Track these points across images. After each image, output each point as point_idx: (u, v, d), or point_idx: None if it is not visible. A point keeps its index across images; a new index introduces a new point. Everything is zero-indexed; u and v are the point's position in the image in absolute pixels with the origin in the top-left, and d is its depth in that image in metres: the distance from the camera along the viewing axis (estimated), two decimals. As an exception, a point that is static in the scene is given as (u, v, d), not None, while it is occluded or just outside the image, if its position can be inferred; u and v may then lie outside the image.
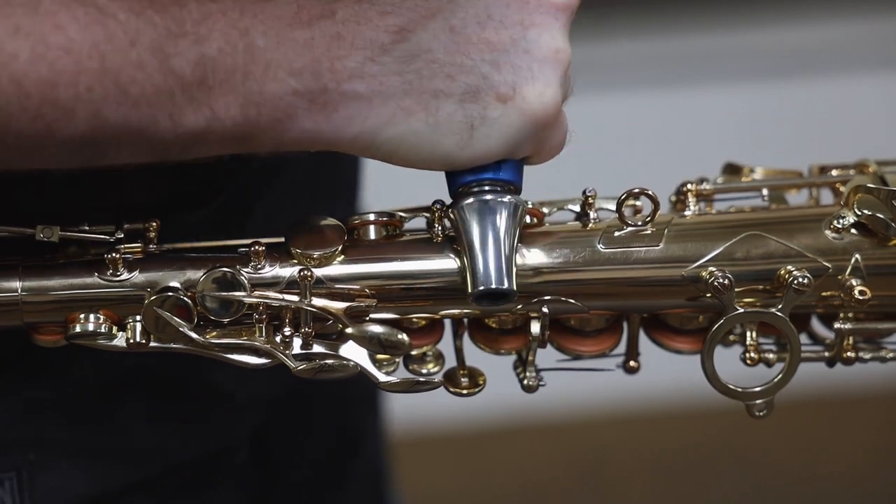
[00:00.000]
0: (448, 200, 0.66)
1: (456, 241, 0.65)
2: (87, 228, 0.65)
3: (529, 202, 0.66)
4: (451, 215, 0.64)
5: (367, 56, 0.60)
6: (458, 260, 0.65)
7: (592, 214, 0.67)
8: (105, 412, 0.72)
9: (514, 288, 0.62)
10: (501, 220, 0.63)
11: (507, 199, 0.63)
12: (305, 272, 0.63)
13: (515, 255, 0.63)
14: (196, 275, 0.64)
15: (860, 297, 0.66)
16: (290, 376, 0.65)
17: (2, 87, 0.55)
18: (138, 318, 0.64)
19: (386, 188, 0.94)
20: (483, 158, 0.63)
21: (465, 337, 0.69)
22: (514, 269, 0.63)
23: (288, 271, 0.64)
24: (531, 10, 0.62)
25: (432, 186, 0.67)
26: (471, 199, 0.63)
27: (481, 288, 0.62)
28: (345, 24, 0.60)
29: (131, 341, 0.64)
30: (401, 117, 0.61)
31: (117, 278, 0.64)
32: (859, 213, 0.67)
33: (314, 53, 0.59)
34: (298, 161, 0.76)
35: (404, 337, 0.64)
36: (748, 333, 0.68)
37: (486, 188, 0.63)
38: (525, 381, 0.68)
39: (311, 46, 0.59)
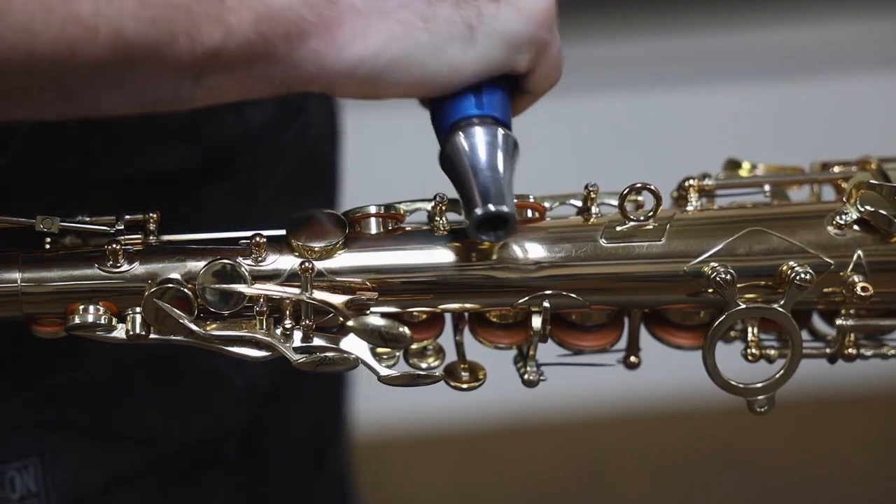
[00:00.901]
0: (448, 196, 0.66)
1: (453, 176, 0.63)
2: (87, 219, 0.65)
3: (531, 196, 0.66)
4: (446, 149, 0.63)
5: None
6: (458, 250, 0.64)
7: (594, 209, 0.67)
8: (118, 396, 0.73)
9: (514, 212, 0.61)
10: (496, 145, 0.62)
11: (500, 130, 0.62)
12: (306, 265, 0.63)
13: (512, 183, 0.62)
14: (196, 266, 0.64)
15: (862, 294, 0.66)
16: (280, 370, 0.65)
17: (22, 2, 0.53)
18: (138, 309, 0.64)
19: (390, 183, 0.94)
20: (488, 63, 0.62)
21: (466, 331, 0.69)
22: (512, 195, 0.61)
23: (289, 264, 0.64)
24: None
25: (437, 181, 0.66)
26: (464, 131, 0.62)
27: (479, 211, 0.60)
28: None
29: (131, 333, 0.64)
30: (400, 32, 0.60)
31: (117, 270, 0.64)
32: (861, 209, 0.67)
33: None
34: (293, 153, 0.77)
35: (405, 330, 0.64)
36: (750, 329, 0.68)
37: (476, 121, 0.62)
38: (526, 376, 0.68)
39: None
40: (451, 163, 0.63)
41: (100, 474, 0.71)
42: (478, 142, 0.62)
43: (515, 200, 0.66)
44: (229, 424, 0.78)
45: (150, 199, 0.66)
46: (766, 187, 0.71)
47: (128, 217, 0.65)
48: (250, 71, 0.58)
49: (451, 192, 0.68)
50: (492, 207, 0.60)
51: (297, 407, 0.86)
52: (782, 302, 0.66)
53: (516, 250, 0.65)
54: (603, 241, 0.66)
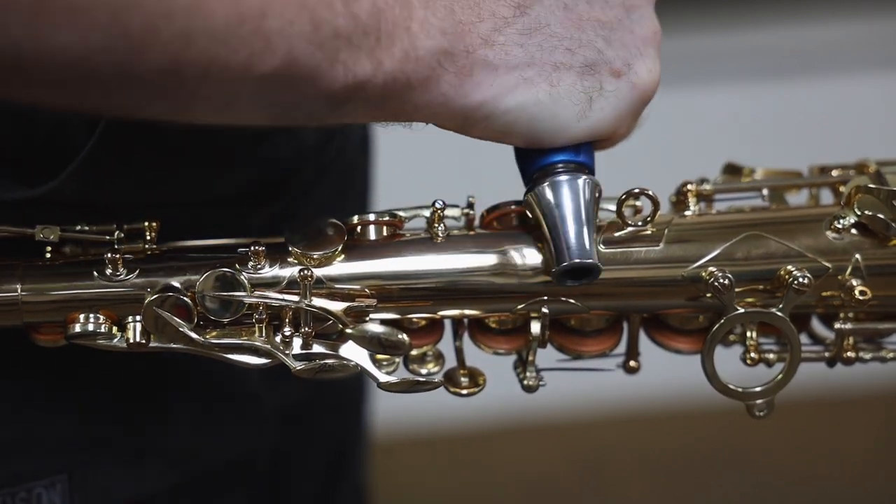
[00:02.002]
0: (449, 200, 0.66)
1: (523, 227, 0.66)
2: (86, 229, 0.65)
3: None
4: (530, 197, 0.64)
5: (493, 26, 0.61)
6: (459, 258, 0.65)
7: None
8: (150, 415, 0.73)
9: (598, 262, 0.63)
10: (580, 197, 0.64)
11: (583, 178, 0.64)
12: (305, 272, 0.63)
13: (595, 232, 0.64)
14: (196, 275, 0.64)
15: (860, 297, 0.66)
16: (305, 387, 0.65)
17: (225, 10, 0.54)
18: (138, 318, 0.64)
19: (389, 189, 0.94)
20: (597, 131, 0.64)
21: (465, 337, 0.69)
22: (596, 245, 0.63)
23: (288, 271, 0.64)
24: None
25: (436, 187, 0.66)
26: (548, 181, 0.64)
27: (565, 263, 0.62)
28: None
29: (131, 341, 0.64)
30: (524, 87, 0.62)
31: (117, 278, 0.64)
32: (859, 213, 0.67)
33: (456, 16, 0.61)
34: (334, 170, 0.77)
35: (404, 337, 0.64)
36: (748, 333, 0.68)
37: (561, 168, 0.64)
38: (525, 381, 0.68)
39: (451, 9, 0.61)
40: (538, 209, 0.64)
41: (127, 494, 0.71)
42: (565, 192, 0.64)
43: (514, 206, 0.67)
44: (257, 444, 0.78)
45: (199, 219, 0.67)
46: (765, 191, 0.71)
47: (127, 226, 0.65)
48: (382, 105, 0.60)
49: (460, 196, 0.69)
50: (577, 261, 0.62)
51: (320, 424, 0.86)
52: (781, 306, 0.66)
53: (515, 256, 0.65)
54: (601, 247, 0.66)
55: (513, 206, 0.67)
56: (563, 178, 0.64)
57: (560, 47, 0.62)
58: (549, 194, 0.64)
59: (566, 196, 0.63)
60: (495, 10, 0.61)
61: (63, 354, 0.66)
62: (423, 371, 0.68)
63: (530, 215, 0.65)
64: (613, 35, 0.64)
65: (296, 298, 0.64)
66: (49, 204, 0.64)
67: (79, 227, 0.65)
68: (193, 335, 0.64)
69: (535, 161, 0.64)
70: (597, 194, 0.64)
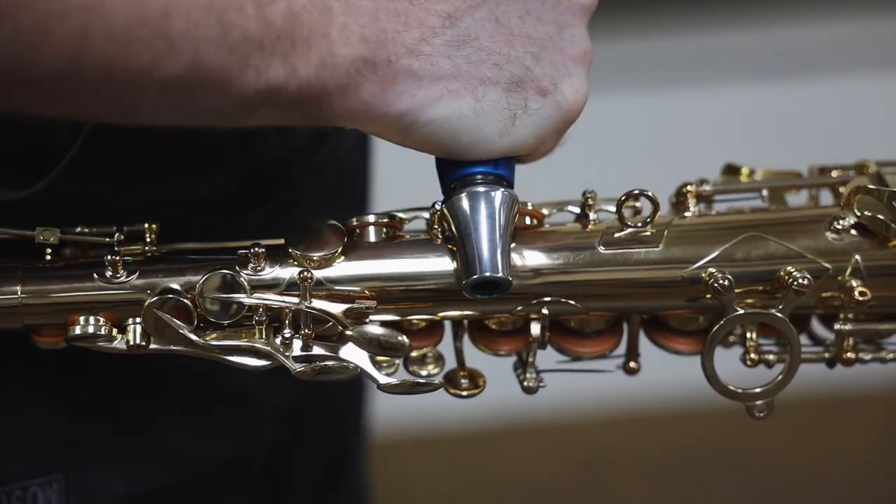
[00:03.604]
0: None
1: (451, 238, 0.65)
2: (86, 231, 0.65)
3: (529, 203, 0.66)
4: (445, 209, 0.64)
5: (421, 36, 0.61)
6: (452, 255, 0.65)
7: (592, 216, 0.67)
8: (146, 415, 0.73)
9: (509, 277, 0.62)
10: (495, 210, 0.63)
11: (500, 191, 0.63)
12: (305, 274, 0.63)
13: (509, 246, 0.63)
14: (196, 277, 0.64)
15: (860, 298, 0.66)
16: (303, 388, 0.65)
17: (125, 10, 0.53)
18: (138, 320, 0.64)
19: (389, 191, 0.94)
20: (517, 148, 0.64)
21: (466, 338, 0.69)
22: (509, 259, 0.63)
23: (288, 273, 0.64)
24: (563, 10, 0.63)
25: (436, 189, 0.66)
26: (465, 191, 0.63)
27: (474, 276, 0.62)
28: (400, 1, 0.60)
29: (131, 343, 0.64)
30: (448, 99, 0.61)
31: (117, 280, 0.64)
32: (859, 213, 0.67)
33: (380, 24, 0.60)
34: (327, 172, 0.77)
35: (404, 339, 0.64)
36: (748, 334, 0.68)
37: (479, 179, 0.64)
38: (525, 383, 0.68)
39: (376, 16, 0.60)
40: (452, 219, 0.64)
41: (123, 493, 0.71)
42: (481, 204, 0.63)
43: (520, 205, 0.67)
44: (254, 445, 0.78)
45: (188, 222, 0.67)
46: (764, 192, 0.71)
47: (127, 228, 0.65)
48: (298, 110, 0.59)
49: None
50: (487, 274, 0.62)
51: (318, 425, 0.86)
52: (780, 307, 0.66)
53: (514, 258, 0.65)
54: (601, 248, 0.66)
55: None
56: (480, 189, 0.63)
57: (488, 62, 0.62)
58: (464, 205, 0.63)
59: (482, 208, 0.63)
60: (424, 19, 0.61)
61: (60, 354, 0.66)
62: (423, 372, 0.68)
63: (445, 225, 0.65)
64: (543, 53, 0.63)
65: (296, 300, 0.64)
66: (36, 207, 0.64)
67: (79, 230, 0.65)
68: (193, 337, 0.64)
69: (454, 171, 0.64)
70: (514, 208, 0.64)
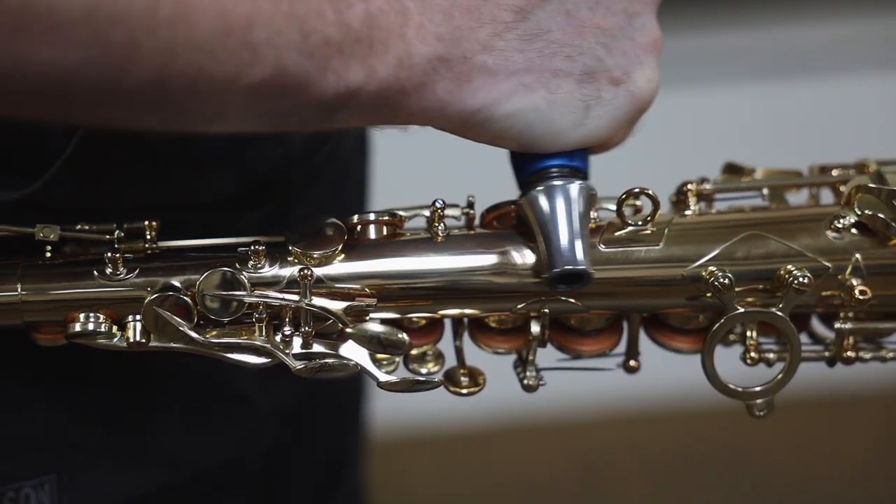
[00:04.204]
0: (449, 200, 0.66)
1: (523, 227, 0.65)
2: (86, 228, 0.65)
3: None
4: (523, 202, 0.64)
5: (493, 31, 0.61)
6: (458, 258, 0.65)
7: (593, 214, 0.67)
8: (142, 415, 0.73)
9: (590, 268, 0.63)
10: (573, 203, 0.63)
11: (577, 183, 0.64)
12: (305, 271, 0.63)
13: (588, 238, 0.64)
14: (196, 274, 0.64)
15: (860, 297, 0.66)
16: (301, 389, 0.65)
17: (210, 22, 0.53)
18: (138, 317, 0.64)
19: (389, 188, 0.94)
20: (592, 139, 0.64)
21: (465, 336, 0.69)
22: (587, 251, 0.63)
23: (288, 271, 0.64)
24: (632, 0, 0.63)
25: (436, 187, 0.66)
26: (543, 185, 0.64)
27: (557, 269, 0.62)
28: None
29: (131, 340, 0.64)
30: (522, 93, 0.62)
31: (117, 277, 0.64)
32: (859, 212, 0.67)
33: (454, 21, 0.60)
34: (325, 175, 0.77)
35: (404, 336, 0.64)
36: (748, 333, 0.68)
37: (556, 173, 0.64)
38: (525, 381, 0.68)
39: (450, 14, 0.60)
40: (531, 213, 0.64)
41: (117, 494, 0.71)
42: (558, 197, 0.63)
43: (514, 206, 0.67)
44: (252, 446, 0.78)
45: (187, 223, 0.67)
46: (765, 191, 0.71)
47: (127, 225, 0.65)
48: (377, 111, 0.60)
49: (460, 196, 0.69)
50: (568, 266, 0.62)
51: (317, 425, 0.86)
52: (781, 306, 0.66)
53: (515, 256, 0.65)
54: (601, 246, 0.66)
55: (513, 206, 0.67)
56: (557, 183, 0.64)
57: (560, 54, 0.62)
58: (542, 199, 0.63)
59: (559, 202, 0.63)
60: (496, 14, 0.61)
61: (58, 354, 0.66)
62: (423, 370, 0.68)
63: (527, 222, 0.65)
64: (614, 42, 0.63)
65: (296, 298, 0.64)
66: (32, 208, 0.64)
67: (79, 227, 0.65)
68: (193, 335, 0.64)
69: (530, 164, 0.64)
70: (591, 199, 0.64)
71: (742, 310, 0.66)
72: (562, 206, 0.63)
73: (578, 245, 0.63)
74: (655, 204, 0.67)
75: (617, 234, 0.66)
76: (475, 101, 0.61)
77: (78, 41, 0.51)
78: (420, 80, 0.59)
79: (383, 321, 0.65)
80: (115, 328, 0.64)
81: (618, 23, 0.63)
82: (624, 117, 0.64)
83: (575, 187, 0.63)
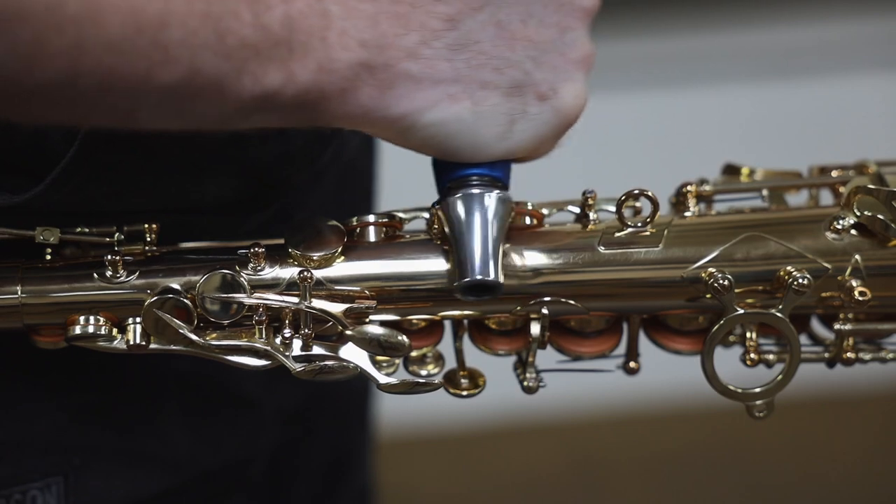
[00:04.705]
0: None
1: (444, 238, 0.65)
2: (86, 231, 0.65)
3: (529, 203, 0.67)
4: (440, 209, 0.64)
5: (421, 39, 0.60)
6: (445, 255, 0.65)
7: (592, 215, 0.67)
8: (146, 418, 0.73)
9: (500, 280, 0.62)
10: (489, 213, 0.63)
11: (494, 193, 0.63)
12: (305, 274, 0.63)
13: (501, 249, 0.63)
14: (196, 277, 0.64)
15: (860, 298, 0.66)
16: (305, 390, 0.65)
17: (121, 20, 0.53)
18: (138, 319, 0.64)
19: (389, 191, 0.94)
20: (514, 152, 0.63)
21: (465, 338, 0.69)
22: (500, 262, 0.63)
23: (288, 273, 0.64)
24: (566, 13, 0.63)
25: (431, 190, 0.67)
26: (460, 193, 0.63)
27: (466, 279, 0.62)
28: (401, 4, 0.60)
29: (131, 343, 0.64)
30: (447, 103, 0.61)
31: (117, 280, 0.64)
32: (859, 213, 0.67)
33: (379, 28, 0.59)
34: (330, 174, 0.77)
35: (404, 338, 0.64)
36: (748, 334, 0.68)
37: (475, 181, 0.64)
38: (525, 383, 0.68)
39: (375, 20, 0.59)
40: (446, 221, 0.64)
41: (122, 496, 0.71)
42: (475, 206, 0.63)
43: (515, 206, 0.67)
44: (256, 447, 0.78)
45: (189, 227, 0.67)
46: (764, 192, 0.71)
47: (127, 228, 0.65)
48: (296, 114, 0.59)
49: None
50: (478, 277, 0.62)
51: (322, 426, 0.86)
52: (780, 307, 0.66)
53: (514, 258, 0.65)
54: (601, 248, 0.66)
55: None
56: (475, 191, 0.63)
57: (488, 66, 0.61)
58: (458, 207, 0.63)
59: (476, 210, 0.63)
60: (425, 21, 0.60)
61: (62, 357, 0.66)
62: (423, 372, 0.68)
63: (437, 226, 0.65)
64: (544, 57, 0.62)
65: (296, 300, 0.64)
66: (33, 212, 0.64)
67: (79, 230, 0.65)
68: (193, 337, 0.64)
69: (450, 172, 0.64)
70: (508, 210, 0.64)
71: (742, 311, 0.66)
72: (477, 216, 0.63)
73: (489, 256, 0.62)
74: (655, 205, 0.67)
75: (616, 235, 0.66)
76: (398, 109, 0.60)
77: None
78: (341, 85, 0.59)
79: (383, 323, 0.65)
80: (115, 331, 0.64)
81: (549, 36, 0.62)
82: (549, 132, 0.63)
83: (493, 197, 0.63)
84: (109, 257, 0.64)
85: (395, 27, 0.60)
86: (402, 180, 1.06)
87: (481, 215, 0.63)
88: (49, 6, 0.51)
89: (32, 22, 0.51)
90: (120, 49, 0.53)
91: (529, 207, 0.67)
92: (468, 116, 0.62)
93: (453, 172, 0.64)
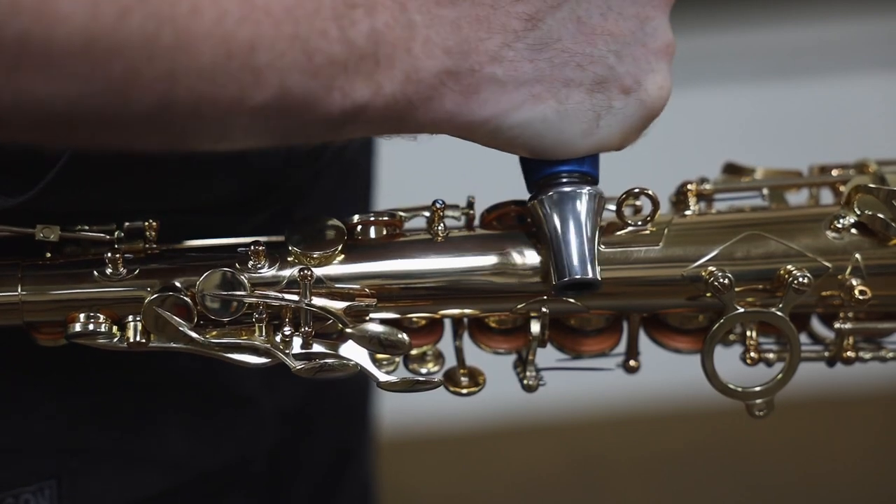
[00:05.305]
0: (449, 200, 0.66)
1: (523, 227, 0.65)
2: (86, 228, 0.65)
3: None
4: (530, 207, 0.64)
5: (503, 41, 0.60)
6: (459, 259, 0.65)
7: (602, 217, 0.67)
8: (142, 419, 0.73)
9: (598, 277, 0.63)
10: (583, 210, 0.63)
11: (587, 189, 0.63)
12: (305, 272, 0.63)
13: (597, 246, 0.64)
14: (196, 274, 0.64)
15: (860, 297, 0.66)
16: (305, 388, 0.65)
17: (212, 48, 0.53)
18: (138, 317, 0.64)
19: (390, 189, 0.94)
20: (601, 148, 0.64)
21: (465, 336, 0.69)
22: (597, 259, 0.63)
23: (288, 271, 0.64)
24: (645, 3, 0.62)
25: (437, 187, 0.67)
26: (553, 191, 0.63)
27: (566, 279, 0.63)
28: (482, 6, 0.60)
29: (131, 341, 0.64)
30: (531, 103, 0.61)
31: (117, 278, 0.64)
32: (859, 212, 0.67)
33: (462, 33, 0.59)
34: (330, 171, 0.77)
35: (404, 336, 0.64)
36: (748, 333, 0.68)
37: (565, 179, 0.64)
38: (525, 381, 0.68)
39: (458, 26, 0.59)
40: (541, 219, 0.64)
41: (118, 499, 0.71)
42: (568, 204, 0.63)
43: (514, 206, 0.67)
44: (255, 446, 0.78)
45: (188, 226, 0.67)
46: (765, 191, 0.71)
47: (127, 225, 0.65)
48: (384, 124, 0.59)
49: (460, 196, 0.69)
50: (577, 276, 0.62)
51: (322, 422, 0.86)
52: (780, 305, 0.66)
53: (515, 256, 0.65)
54: (601, 247, 0.66)
55: (513, 206, 0.67)
56: (567, 189, 0.63)
57: (571, 63, 0.61)
58: (552, 205, 0.63)
59: (569, 209, 0.63)
60: (506, 23, 0.60)
61: (53, 358, 0.66)
62: (423, 370, 0.68)
63: (535, 225, 0.65)
64: (625, 49, 0.62)
65: (296, 298, 0.64)
66: (31, 213, 0.64)
67: (78, 227, 0.65)
68: (193, 335, 0.64)
69: (540, 169, 0.64)
70: (600, 205, 0.64)
71: (742, 310, 0.66)
72: (572, 215, 0.63)
73: (588, 255, 0.63)
74: (655, 204, 0.67)
75: (617, 234, 0.66)
76: (484, 112, 0.60)
77: (76, 74, 0.51)
78: (427, 93, 0.59)
79: (383, 321, 0.65)
80: (115, 328, 0.64)
81: (629, 28, 0.62)
82: (634, 125, 0.63)
83: (585, 194, 0.63)
84: (109, 255, 0.64)
85: (478, 31, 0.59)
86: (402, 180, 1.06)
87: (574, 213, 0.63)
88: (142, 39, 0.52)
89: (125, 55, 0.52)
90: (212, 75, 0.54)
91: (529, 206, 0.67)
92: (553, 115, 0.61)
93: (542, 170, 0.64)
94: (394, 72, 0.58)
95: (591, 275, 0.62)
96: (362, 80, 0.57)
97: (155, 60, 0.52)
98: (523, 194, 0.66)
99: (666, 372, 1.07)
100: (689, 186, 0.69)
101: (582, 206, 0.63)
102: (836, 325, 0.69)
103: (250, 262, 0.64)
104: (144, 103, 0.53)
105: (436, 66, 0.59)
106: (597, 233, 0.64)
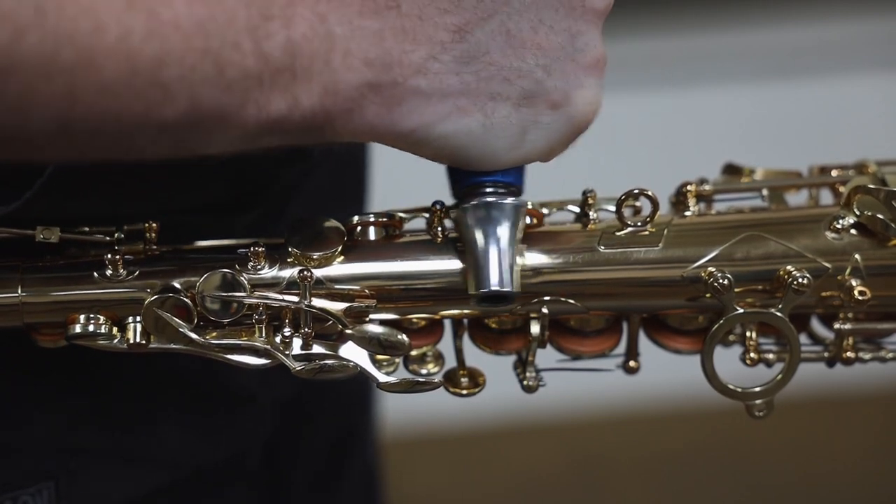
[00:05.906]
0: (448, 201, 0.66)
1: (458, 242, 0.65)
2: (86, 230, 0.65)
3: (529, 203, 0.67)
4: (454, 216, 0.64)
5: (429, 53, 0.59)
6: (459, 260, 0.65)
7: (592, 215, 0.67)
8: (139, 417, 0.73)
9: (515, 290, 0.63)
10: (503, 222, 0.63)
11: (509, 201, 0.63)
12: (305, 273, 0.63)
13: (516, 258, 0.64)
14: (196, 275, 0.64)
15: (860, 298, 0.66)
16: (303, 381, 0.65)
17: (115, 65, 0.52)
18: (138, 318, 0.64)
19: (389, 190, 0.94)
20: (526, 161, 0.63)
21: (465, 337, 0.69)
22: (515, 272, 0.63)
23: (288, 272, 0.64)
24: (577, 17, 0.62)
25: (436, 188, 0.67)
26: (474, 202, 0.63)
27: (483, 290, 0.63)
28: (409, 17, 0.59)
29: (131, 342, 0.64)
30: (456, 116, 0.60)
31: (117, 279, 0.64)
32: (859, 213, 0.67)
33: (385, 45, 0.58)
34: (323, 167, 0.76)
35: (404, 337, 0.64)
36: (748, 333, 0.68)
37: (489, 190, 0.64)
38: (525, 382, 0.68)
39: (381, 37, 0.58)
40: (462, 228, 0.64)
41: (117, 498, 0.71)
42: (488, 216, 0.63)
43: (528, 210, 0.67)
44: (253, 440, 0.78)
45: (179, 226, 0.66)
46: (764, 192, 0.71)
47: (127, 226, 0.65)
48: (304, 135, 0.59)
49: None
50: (493, 288, 0.62)
51: (320, 410, 0.86)
52: (780, 306, 0.66)
53: (514, 257, 0.65)
54: (601, 247, 0.66)
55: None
56: (489, 200, 0.63)
57: (498, 76, 0.60)
58: (474, 215, 0.63)
59: (490, 220, 0.63)
60: (433, 34, 0.59)
61: (52, 359, 0.66)
62: (423, 371, 0.68)
63: (455, 233, 0.65)
64: (555, 64, 0.61)
65: (295, 299, 0.64)
66: (25, 221, 0.64)
67: (78, 229, 0.65)
68: (193, 336, 0.64)
69: (464, 179, 0.64)
70: (522, 217, 0.64)
71: (741, 310, 0.66)
72: (492, 226, 0.63)
73: (505, 267, 0.63)
74: (655, 205, 0.67)
75: (616, 234, 0.66)
76: (407, 124, 0.60)
77: None
78: (347, 105, 0.58)
79: (383, 322, 0.65)
80: (115, 329, 0.64)
81: (560, 43, 0.61)
82: (561, 140, 0.63)
83: (507, 206, 0.63)
84: (109, 256, 0.64)
85: (402, 42, 0.59)
86: (402, 179, 1.06)
87: (495, 225, 0.63)
88: (41, 58, 0.51)
89: (22, 74, 0.51)
90: (114, 92, 0.53)
91: (529, 207, 0.67)
92: (478, 129, 0.61)
93: (467, 179, 0.64)
94: (312, 84, 0.57)
95: (507, 288, 0.63)
96: (279, 93, 0.56)
97: (53, 79, 0.51)
98: (523, 193, 0.66)
99: (666, 372, 1.07)
100: (688, 187, 0.69)
101: (502, 217, 0.63)
102: (836, 326, 0.69)
103: (250, 264, 0.64)
104: (44, 120, 0.52)
105: (356, 79, 0.58)
106: (516, 244, 0.63)
